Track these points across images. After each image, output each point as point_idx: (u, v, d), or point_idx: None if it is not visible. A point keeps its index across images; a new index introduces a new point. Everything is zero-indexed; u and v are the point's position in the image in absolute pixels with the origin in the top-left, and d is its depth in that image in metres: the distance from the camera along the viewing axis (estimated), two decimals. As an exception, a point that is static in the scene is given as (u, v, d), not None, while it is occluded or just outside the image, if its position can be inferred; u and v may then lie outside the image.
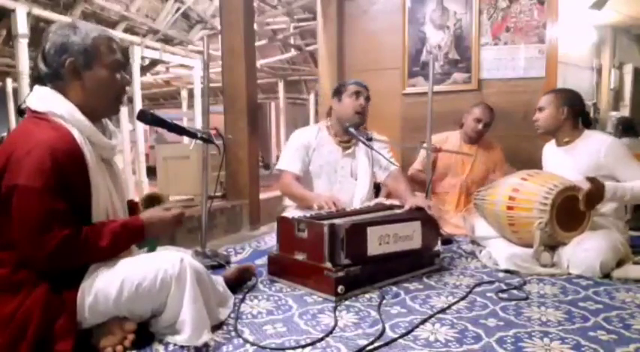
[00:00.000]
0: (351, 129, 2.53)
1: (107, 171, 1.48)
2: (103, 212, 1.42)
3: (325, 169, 2.61)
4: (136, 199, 1.71)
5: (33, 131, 1.32)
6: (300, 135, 2.70)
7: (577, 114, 2.43)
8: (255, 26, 5.69)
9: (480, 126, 3.17)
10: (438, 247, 2.23)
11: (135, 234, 1.43)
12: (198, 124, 7.19)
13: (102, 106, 1.46)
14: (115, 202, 1.49)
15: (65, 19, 5.94)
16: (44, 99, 1.38)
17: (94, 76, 1.41)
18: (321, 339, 1.45)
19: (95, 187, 1.38)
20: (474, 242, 2.63)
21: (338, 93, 2.65)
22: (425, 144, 2.94)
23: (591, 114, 5.29)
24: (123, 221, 1.44)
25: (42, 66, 1.39)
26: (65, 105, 1.37)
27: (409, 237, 2.04)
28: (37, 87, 1.41)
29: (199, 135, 2.14)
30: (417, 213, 2.18)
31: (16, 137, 1.34)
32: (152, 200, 1.70)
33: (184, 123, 9.05)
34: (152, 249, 1.54)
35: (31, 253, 1.27)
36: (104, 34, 1.45)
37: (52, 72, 1.38)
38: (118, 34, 6.72)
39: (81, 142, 1.35)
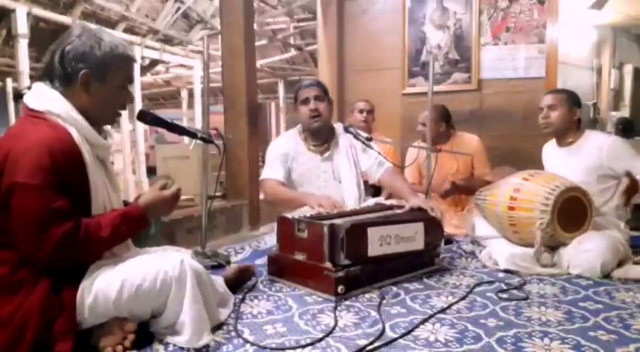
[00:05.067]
0: (351, 129, 2.53)
1: (103, 170, 1.49)
2: (102, 210, 1.42)
3: (307, 177, 2.55)
4: (132, 200, 1.71)
5: (30, 130, 1.32)
6: (277, 145, 2.63)
7: (581, 116, 2.45)
8: (255, 26, 5.68)
9: (420, 127, 3.13)
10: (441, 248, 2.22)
11: (137, 220, 1.43)
12: (198, 124, 7.18)
13: (101, 116, 1.48)
14: (112, 200, 1.49)
15: (65, 19, 5.94)
16: (43, 98, 1.38)
17: (103, 89, 1.43)
18: (321, 339, 1.45)
19: (94, 185, 1.38)
20: (474, 241, 2.63)
21: (294, 103, 2.61)
22: (422, 144, 2.94)
23: (591, 114, 5.29)
24: (123, 210, 1.44)
25: (57, 65, 1.39)
26: (63, 105, 1.38)
27: (411, 238, 2.02)
28: (36, 84, 1.42)
29: (199, 135, 2.14)
30: (420, 214, 2.16)
31: (13, 136, 1.34)
32: None
33: (184, 123, 9.04)
34: (157, 231, 1.55)
35: (32, 250, 1.27)
36: (126, 53, 1.47)
37: (65, 74, 1.39)
38: (117, 34, 6.71)
39: (78, 141, 1.36)
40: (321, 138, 2.57)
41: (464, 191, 3.08)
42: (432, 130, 2.99)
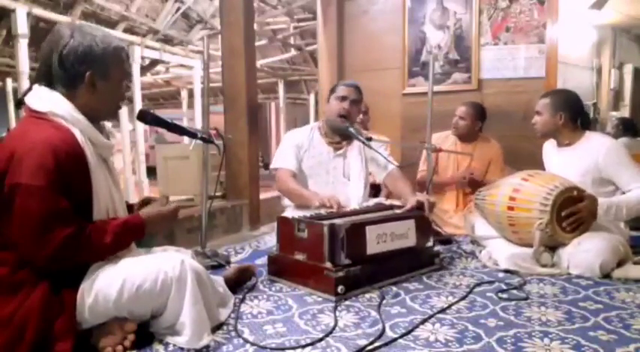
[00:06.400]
0: (351, 129, 2.53)
1: (106, 170, 1.49)
2: (104, 211, 1.43)
3: (316, 170, 2.57)
4: (133, 200, 1.72)
5: (33, 130, 1.32)
6: (291, 135, 2.69)
7: (575, 117, 2.42)
8: (255, 26, 5.68)
9: (456, 120, 3.18)
10: (430, 243, 2.21)
11: (136, 231, 1.44)
12: (198, 124, 7.18)
13: (104, 111, 1.49)
14: (115, 201, 1.49)
15: (65, 19, 5.94)
16: (44, 100, 1.38)
17: (106, 85, 1.44)
18: (321, 339, 1.45)
19: (96, 186, 1.38)
20: (474, 241, 2.63)
21: (330, 94, 2.65)
22: (426, 144, 2.94)
23: (591, 115, 5.29)
24: (124, 219, 1.45)
25: (57, 68, 1.38)
26: (65, 106, 1.38)
27: (404, 235, 2.05)
28: (36, 86, 1.41)
29: (199, 135, 2.14)
30: (412, 212, 2.18)
31: (16, 136, 1.34)
32: (148, 203, 1.69)
33: (184, 123, 9.02)
34: (149, 246, 1.56)
35: (33, 252, 1.27)
36: (121, 45, 1.48)
37: (68, 78, 1.39)
38: (118, 34, 6.72)
39: (82, 142, 1.36)
40: (340, 135, 2.61)
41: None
42: (467, 127, 3.15)
